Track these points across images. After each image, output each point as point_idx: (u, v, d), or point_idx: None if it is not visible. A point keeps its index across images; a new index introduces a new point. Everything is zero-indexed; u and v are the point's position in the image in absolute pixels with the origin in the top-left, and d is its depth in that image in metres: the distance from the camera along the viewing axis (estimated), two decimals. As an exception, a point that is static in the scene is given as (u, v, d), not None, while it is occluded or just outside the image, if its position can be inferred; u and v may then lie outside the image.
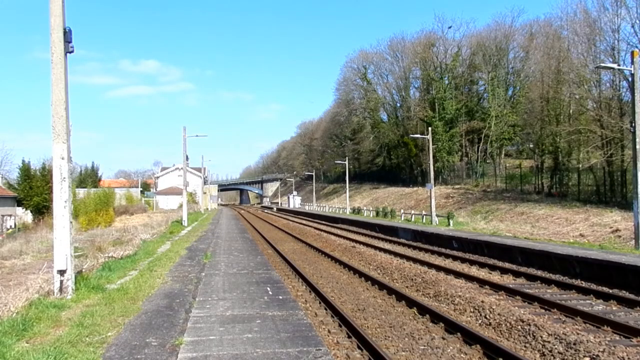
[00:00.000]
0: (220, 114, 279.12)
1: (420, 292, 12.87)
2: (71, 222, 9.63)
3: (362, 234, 31.29)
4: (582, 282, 13.76)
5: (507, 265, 17.04)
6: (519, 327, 8.92)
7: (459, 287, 12.46)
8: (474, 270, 16.34)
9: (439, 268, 16.41)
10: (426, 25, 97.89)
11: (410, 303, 11.20)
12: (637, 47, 29.99)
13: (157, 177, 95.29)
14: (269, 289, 10.58)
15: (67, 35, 9.47)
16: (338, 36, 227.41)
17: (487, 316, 9.91)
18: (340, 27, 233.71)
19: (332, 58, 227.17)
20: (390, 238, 28.18)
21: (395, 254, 20.42)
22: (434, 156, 41.28)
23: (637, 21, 31.11)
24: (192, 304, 9.02)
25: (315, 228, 36.31)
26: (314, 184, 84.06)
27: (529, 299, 11.47)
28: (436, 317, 9.82)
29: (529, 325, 8.81)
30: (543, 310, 10.53)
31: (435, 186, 39.11)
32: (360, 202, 65.65)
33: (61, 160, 9.40)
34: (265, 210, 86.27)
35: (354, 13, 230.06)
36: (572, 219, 28.69)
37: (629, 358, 7.16)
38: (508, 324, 9.20)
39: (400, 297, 11.91)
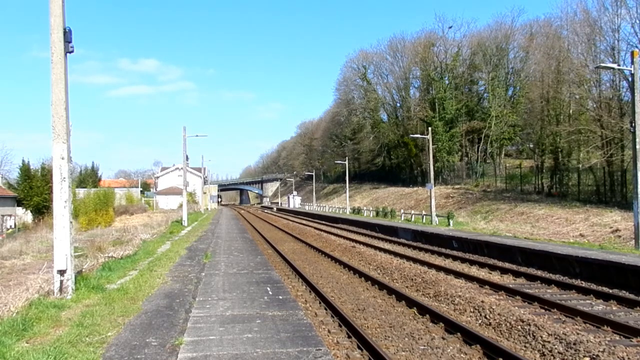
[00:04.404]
0: (221, 113, 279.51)
1: (420, 292, 12.87)
2: (71, 222, 9.64)
3: (362, 234, 31.28)
4: (582, 282, 13.76)
5: (507, 265, 17.04)
6: (519, 327, 8.91)
7: (459, 287, 12.45)
8: (474, 270, 16.34)
9: (439, 268, 16.41)
10: (426, 25, 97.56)
11: (410, 303, 11.20)
12: (637, 47, 30.01)
13: (157, 177, 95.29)
14: (269, 289, 10.58)
15: (67, 35, 9.47)
16: (338, 36, 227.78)
17: (487, 316, 9.91)
18: (340, 27, 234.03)
19: (332, 58, 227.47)
20: (390, 238, 28.17)
21: (395, 254, 20.41)
22: (434, 156, 41.29)
23: (637, 21, 31.14)
24: (192, 304, 9.02)
25: (315, 228, 36.31)
26: (314, 184, 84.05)
27: (529, 299, 11.47)
28: (436, 317, 9.82)
29: (529, 325, 8.81)
30: (543, 310, 10.53)
31: (435, 186, 39.12)
32: (360, 202, 65.65)
33: (61, 160, 9.40)
34: (265, 210, 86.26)
35: (354, 13, 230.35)
36: (572, 219, 28.69)
37: (629, 358, 7.16)
38: (508, 324, 9.20)
39: (400, 297, 11.90)
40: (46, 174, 54.05)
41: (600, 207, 30.05)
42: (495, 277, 15.17)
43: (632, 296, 11.63)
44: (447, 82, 60.23)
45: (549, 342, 8.05)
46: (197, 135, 42.56)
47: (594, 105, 35.36)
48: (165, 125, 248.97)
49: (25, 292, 8.95)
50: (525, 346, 8.28)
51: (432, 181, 36.30)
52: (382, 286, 13.29)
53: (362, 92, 77.59)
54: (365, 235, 30.76)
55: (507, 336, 8.86)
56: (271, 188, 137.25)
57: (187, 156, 38.76)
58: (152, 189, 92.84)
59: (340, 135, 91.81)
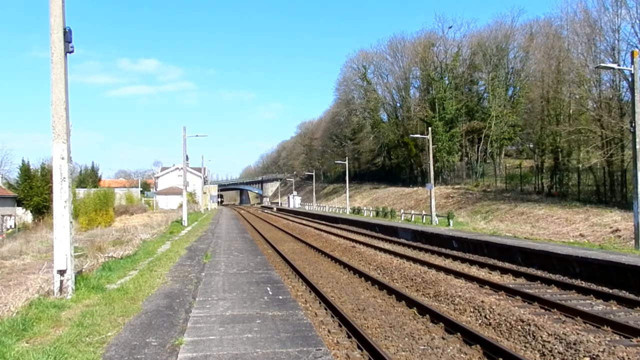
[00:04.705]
0: (221, 113, 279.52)
1: (420, 292, 12.87)
2: (71, 222, 9.63)
3: (362, 234, 31.28)
4: (582, 282, 13.76)
5: (507, 265, 17.04)
6: (519, 327, 8.91)
7: (459, 287, 12.45)
8: (474, 270, 16.34)
9: (439, 268, 16.41)
10: (426, 25, 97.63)
11: (410, 303, 11.20)
12: (637, 47, 30.00)
13: (157, 177, 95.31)
14: (269, 289, 10.58)
15: (67, 35, 9.47)
16: (338, 36, 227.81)
17: (487, 316, 9.91)
18: (340, 27, 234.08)
19: (332, 58, 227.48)
20: (390, 238, 28.17)
21: (395, 254, 20.41)
22: (434, 156, 41.28)
23: (637, 21, 31.14)
24: (192, 304, 9.02)
25: (315, 228, 36.31)
26: (314, 184, 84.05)
27: (529, 299, 11.47)
28: (436, 317, 9.82)
29: (529, 325, 8.81)
30: (543, 310, 10.53)
31: (435, 186, 39.12)
32: (360, 202, 65.65)
33: (61, 160, 9.40)
34: (265, 210, 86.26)
35: (354, 13, 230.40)
36: (572, 219, 28.69)
37: (629, 358, 7.16)
38: (508, 324, 9.20)
39: (400, 297, 11.90)
40: (46, 174, 54.04)
41: (600, 207, 30.05)
42: (495, 277, 15.17)
43: (632, 296, 11.63)
44: (447, 82, 60.22)
45: (549, 342, 8.05)
46: (197, 135, 42.61)
47: (594, 105, 35.36)
48: (165, 125, 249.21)
49: (25, 292, 8.95)
50: (525, 346, 8.28)
51: (432, 181, 36.29)
52: (382, 286, 13.29)
53: (362, 92, 77.59)
54: (365, 235, 30.76)
55: (507, 336, 8.86)
56: (271, 188, 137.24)
57: (187, 156, 38.77)
58: (152, 189, 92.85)
59: (340, 135, 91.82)
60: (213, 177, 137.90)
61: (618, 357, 7.16)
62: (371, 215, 47.37)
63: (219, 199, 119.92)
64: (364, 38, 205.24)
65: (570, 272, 14.88)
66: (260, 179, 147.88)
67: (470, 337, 8.44)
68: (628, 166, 29.94)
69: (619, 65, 27.87)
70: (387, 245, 24.52)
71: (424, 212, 38.76)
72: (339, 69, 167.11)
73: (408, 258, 19.24)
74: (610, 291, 12.28)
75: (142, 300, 9.31)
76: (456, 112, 57.70)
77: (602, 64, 24.79)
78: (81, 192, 54.81)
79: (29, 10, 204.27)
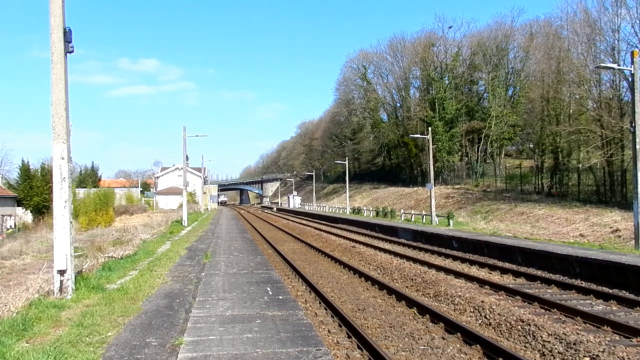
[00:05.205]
0: (221, 113, 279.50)
1: (420, 292, 12.87)
2: (71, 222, 9.63)
3: (362, 234, 31.28)
4: (582, 282, 13.76)
5: (507, 265, 17.04)
6: (519, 327, 8.91)
7: (459, 287, 12.45)
8: (474, 270, 16.34)
9: (439, 268, 16.41)
10: (426, 25, 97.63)
11: (410, 303, 11.20)
12: (637, 47, 30.00)
13: (157, 177, 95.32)
14: (269, 289, 10.58)
15: (67, 35, 9.47)
16: (338, 36, 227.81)
17: (487, 316, 9.91)
18: (340, 27, 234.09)
19: (332, 58, 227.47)
20: (390, 238, 28.17)
21: (395, 254, 20.41)
22: (434, 156, 41.29)
23: (637, 21, 31.14)
24: (192, 304, 9.02)
25: (315, 228, 36.31)
26: (314, 184, 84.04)
27: (529, 299, 11.47)
28: (436, 317, 9.82)
29: (529, 325, 8.81)
30: (543, 310, 10.53)
31: (435, 186, 39.12)
32: (360, 202, 65.64)
33: (61, 160, 9.40)
34: (265, 210, 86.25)
35: (354, 13, 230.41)
36: (572, 219, 28.69)
37: (629, 358, 7.16)
38: (508, 324, 9.20)
39: (400, 297, 11.90)
40: (46, 174, 54.03)
41: (600, 207, 30.05)
42: (495, 277, 15.17)
43: (632, 296, 11.64)
44: (447, 82, 60.21)
45: (549, 342, 8.05)
46: (197, 135, 42.63)
47: (594, 105, 35.36)
48: (165, 125, 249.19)
49: (25, 292, 8.95)
50: (525, 346, 8.28)
51: (432, 181, 36.30)
52: (382, 286, 13.29)
53: (362, 92, 77.59)
54: (365, 235, 30.76)
55: (507, 336, 8.86)
56: (271, 188, 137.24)
57: (187, 156, 38.77)
58: (152, 189, 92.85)
59: (340, 135, 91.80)
60: (213, 177, 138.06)
61: (618, 357, 7.16)
62: (371, 215, 47.36)
63: (222, 199, 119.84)
64: (364, 38, 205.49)
65: (570, 272, 14.88)
66: (260, 179, 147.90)
67: (470, 337, 8.44)
68: (628, 166, 29.95)
69: (619, 65, 27.86)
70: (387, 245, 24.52)
71: (424, 212, 38.76)
72: (339, 69, 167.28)
73: (408, 258, 19.24)
74: (610, 291, 12.28)
75: (142, 300, 9.31)
76: (456, 112, 57.69)
77: (602, 64, 24.78)
78: (81, 192, 54.79)
79: (29, 10, 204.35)
